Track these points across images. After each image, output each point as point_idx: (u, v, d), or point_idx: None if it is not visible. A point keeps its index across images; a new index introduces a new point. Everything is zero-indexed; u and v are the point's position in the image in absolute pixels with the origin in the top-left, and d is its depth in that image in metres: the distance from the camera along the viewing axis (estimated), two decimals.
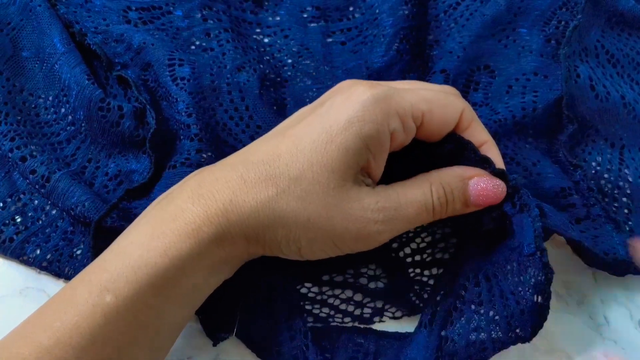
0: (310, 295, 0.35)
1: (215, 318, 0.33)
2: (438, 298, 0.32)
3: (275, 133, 0.30)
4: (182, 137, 0.35)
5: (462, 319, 0.32)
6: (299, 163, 0.28)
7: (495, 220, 0.32)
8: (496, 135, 0.36)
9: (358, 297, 0.35)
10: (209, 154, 0.35)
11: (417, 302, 0.35)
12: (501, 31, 0.39)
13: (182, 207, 0.28)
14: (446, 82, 0.38)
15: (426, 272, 0.35)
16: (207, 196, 0.28)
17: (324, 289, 0.35)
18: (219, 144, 0.35)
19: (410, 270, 0.35)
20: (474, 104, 0.38)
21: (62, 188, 0.35)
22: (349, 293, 0.35)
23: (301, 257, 0.30)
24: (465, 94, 0.38)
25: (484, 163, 0.30)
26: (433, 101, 0.29)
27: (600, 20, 0.40)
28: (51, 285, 0.35)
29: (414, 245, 0.36)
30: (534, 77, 0.38)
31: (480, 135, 0.31)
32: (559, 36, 0.39)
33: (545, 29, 0.39)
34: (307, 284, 0.35)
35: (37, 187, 0.36)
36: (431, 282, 0.35)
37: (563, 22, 0.39)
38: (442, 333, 0.31)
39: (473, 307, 0.32)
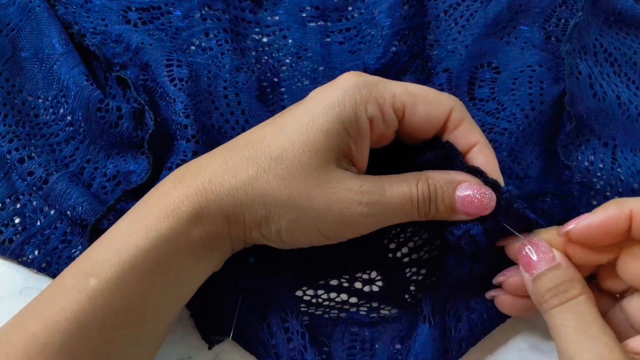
0: (305, 298, 0.35)
1: (211, 321, 0.33)
2: (434, 292, 0.33)
3: (265, 121, 0.31)
4: (179, 137, 0.35)
5: (461, 306, 0.33)
6: (280, 143, 0.28)
7: (489, 233, 0.30)
8: (505, 132, 0.35)
9: (353, 299, 0.35)
10: None
11: (412, 302, 0.35)
12: (502, 29, 0.39)
13: (164, 191, 0.28)
14: (449, 81, 0.38)
15: (422, 271, 0.35)
16: (188, 179, 0.28)
17: (320, 292, 0.35)
18: (215, 146, 0.35)
19: (407, 270, 0.35)
20: (480, 100, 0.38)
21: (59, 190, 0.35)
22: (344, 296, 0.35)
23: (282, 241, 0.30)
24: (470, 91, 0.38)
25: (474, 174, 0.30)
26: (417, 95, 0.29)
27: (598, 19, 0.40)
28: None
29: (411, 245, 0.36)
30: (539, 68, 0.37)
31: (471, 136, 0.30)
32: (559, 34, 0.39)
33: (546, 26, 0.39)
34: (303, 288, 0.35)
35: (35, 188, 0.36)
36: (427, 281, 0.35)
37: (563, 20, 0.39)
38: (445, 324, 0.33)
39: (469, 293, 0.33)
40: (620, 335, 0.29)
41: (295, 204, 0.28)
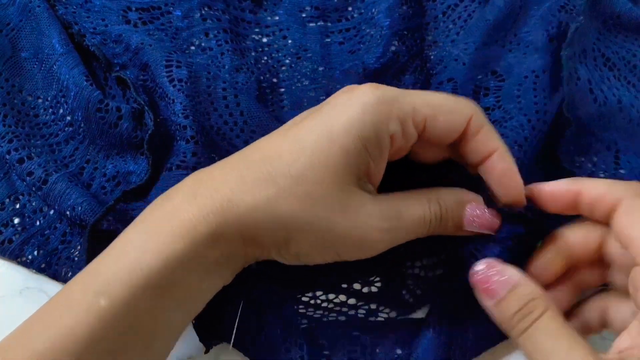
0: (303, 299, 0.35)
1: (210, 326, 0.33)
2: (442, 299, 0.33)
3: (278, 132, 0.30)
4: (178, 138, 0.35)
5: (468, 316, 0.33)
6: (300, 163, 0.27)
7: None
8: (514, 144, 0.35)
9: (352, 301, 0.35)
10: (205, 156, 0.34)
11: (411, 300, 0.35)
12: (504, 36, 0.39)
13: (178, 206, 0.27)
14: (454, 90, 0.37)
15: (417, 263, 0.35)
16: (204, 195, 0.27)
17: (318, 293, 0.35)
18: (214, 148, 0.35)
19: (405, 265, 0.35)
20: (485, 109, 0.37)
21: (59, 190, 0.35)
22: (342, 297, 0.35)
23: (299, 261, 0.29)
24: (475, 101, 0.38)
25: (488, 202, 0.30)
26: (437, 107, 0.29)
27: (597, 22, 0.39)
28: (50, 286, 0.35)
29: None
30: (543, 74, 0.37)
31: (490, 143, 0.30)
32: (561, 37, 0.38)
33: (549, 28, 0.39)
34: (301, 289, 0.35)
35: (34, 189, 0.36)
36: (423, 274, 0.35)
37: (564, 23, 0.39)
38: (452, 332, 0.32)
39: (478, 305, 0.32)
40: (592, 327, 0.30)
41: (316, 229, 0.27)
